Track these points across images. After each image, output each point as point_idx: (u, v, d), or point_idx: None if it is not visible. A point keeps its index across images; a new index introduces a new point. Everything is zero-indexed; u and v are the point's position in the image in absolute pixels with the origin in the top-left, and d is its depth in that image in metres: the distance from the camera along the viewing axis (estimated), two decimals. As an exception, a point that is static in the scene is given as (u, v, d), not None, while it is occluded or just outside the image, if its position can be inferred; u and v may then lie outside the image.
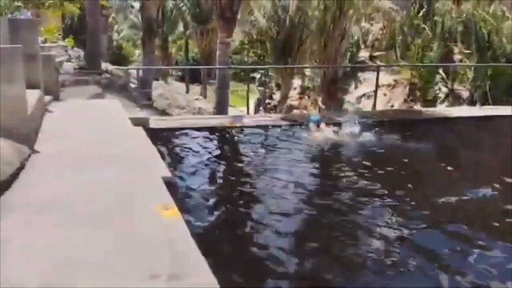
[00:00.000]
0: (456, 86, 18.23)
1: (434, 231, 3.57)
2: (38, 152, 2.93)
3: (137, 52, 28.83)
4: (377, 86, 9.39)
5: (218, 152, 5.78)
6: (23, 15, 12.99)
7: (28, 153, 2.80)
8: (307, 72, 19.42)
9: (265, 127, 6.38)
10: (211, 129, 6.14)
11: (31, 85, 4.10)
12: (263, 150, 5.66)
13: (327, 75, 12.62)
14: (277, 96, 19.60)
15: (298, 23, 16.05)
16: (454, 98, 18.27)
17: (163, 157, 3.92)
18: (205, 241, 2.52)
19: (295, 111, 18.76)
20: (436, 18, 19.00)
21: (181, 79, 26.12)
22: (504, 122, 6.40)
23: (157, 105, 11.72)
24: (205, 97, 22.34)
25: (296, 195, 4.29)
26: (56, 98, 5.23)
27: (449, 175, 4.86)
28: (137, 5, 26.10)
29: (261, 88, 23.66)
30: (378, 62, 21.57)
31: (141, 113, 6.10)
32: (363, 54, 21.96)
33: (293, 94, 19.79)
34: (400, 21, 21.35)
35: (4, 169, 2.36)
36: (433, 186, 4.58)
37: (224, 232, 3.53)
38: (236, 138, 6.18)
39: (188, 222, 2.16)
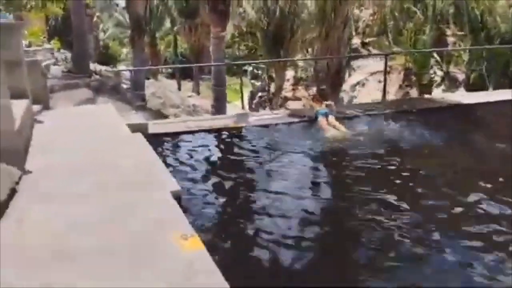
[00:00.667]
0: (451, 69, 18.04)
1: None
2: (30, 172, 2.61)
3: (125, 50, 28.28)
4: (385, 74, 9.05)
5: (227, 157, 5.17)
6: (4, 19, 12.48)
7: (18, 175, 2.47)
8: (300, 62, 19.06)
9: (273, 126, 5.91)
10: (217, 131, 5.65)
11: (17, 95, 3.76)
12: (277, 152, 5.05)
13: (330, 66, 11.78)
14: (271, 88, 19.26)
15: (289, 13, 15.66)
16: (450, 81, 18.09)
17: (168, 167, 3.56)
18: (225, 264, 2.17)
19: (290, 102, 18.45)
20: (427, 0, 18.71)
21: (171, 75, 25.65)
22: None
23: (151, 105, 11.35)
24: (198, 93, 21.97)
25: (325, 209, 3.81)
26: (46, 107, 4.87)
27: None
28: (122, 2, 25.56)
29: (253, 81, 23.31)
30: (371, 49, 21.31)
31: (137, 117, 5.62)
32: (355, 41, 21.66)
33: (286, 85, 19.48)
34: (390, 6, 21.07)
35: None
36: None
37: (248, 257, 3.01)
38: (245, 140, 5.58)
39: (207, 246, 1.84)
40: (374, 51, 20.54)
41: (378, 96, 18.97)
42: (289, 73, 19.80)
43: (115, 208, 2.23)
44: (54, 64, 11.10)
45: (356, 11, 22.07)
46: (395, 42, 19.66)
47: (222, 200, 3.97)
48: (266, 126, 5.92)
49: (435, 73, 18.45)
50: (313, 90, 17.43)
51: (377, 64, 20.45)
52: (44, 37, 15.81)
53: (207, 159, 4.98)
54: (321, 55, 11.93)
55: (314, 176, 4.82)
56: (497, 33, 15.48)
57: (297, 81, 20.53)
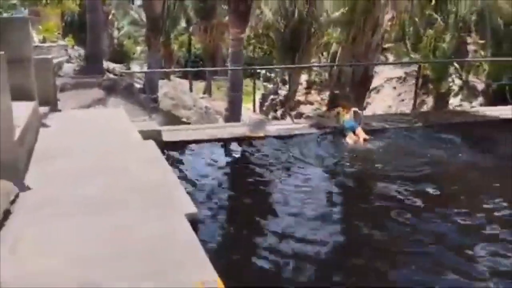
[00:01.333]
0: (470, 78, 17.52)
1: None
2: (29, 188, 2.33)
3: (139, 49, 28.17)
4: (416, 84, 8.45)
5: (245, 172, 4.64)
6: (19, 14, 12.35)
7: (15, 193, 2.19)
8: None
9: (296, 136, 5.45)
10: (235, 141, 5.20)
11: (22, 96, 3.50)
12: (304, 171, 4.55)
13: (356, 74, 10.97)
14: (282, 91, 18.95)
15: (307, 15, 15.35)
16: (468, 91, 17.57)
17: (180, 179, 3.23)
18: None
19: (302, 107, 18.10)
20: (449, 7, 18.23)
21: (183, 75, 25.44)
22: None
23: (163, 106, 11.08)
24: (210, 94, 21.74)
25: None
26: (54, 109, 4.60)
27: None
28: (137, 1, 25.46)
29: (265, 84, 23.00)
30: (389, 55, 20.85)
31: (150, 122, 5.23)
32: (372, 46, 21.23)
33: (300, 88, 19.15)
34: (410, 11, 20.61)
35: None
36: None
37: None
38: (264, 154, 5.07)
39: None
40: (391, 58, 20.09)
41: (393, 103, 18.55)
42: (303, 77, 19.46)
43: (122, 236, 1.94)
44: (67, 61, 10.93)
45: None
46: (414, 49, 19.21)
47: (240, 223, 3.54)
48: (289, 137, 5.48)
49: (453, 81, 17.95)
50: (326, 94, 17.08)
51: (392, 70, 20.01)
52: (59, 33, 15.68)
53: (223, 173, 4.62)
54: (343, 60, 11.32)
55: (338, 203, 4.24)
56: (520, 44, 14.98)
57: (310, 85, 20.17)
